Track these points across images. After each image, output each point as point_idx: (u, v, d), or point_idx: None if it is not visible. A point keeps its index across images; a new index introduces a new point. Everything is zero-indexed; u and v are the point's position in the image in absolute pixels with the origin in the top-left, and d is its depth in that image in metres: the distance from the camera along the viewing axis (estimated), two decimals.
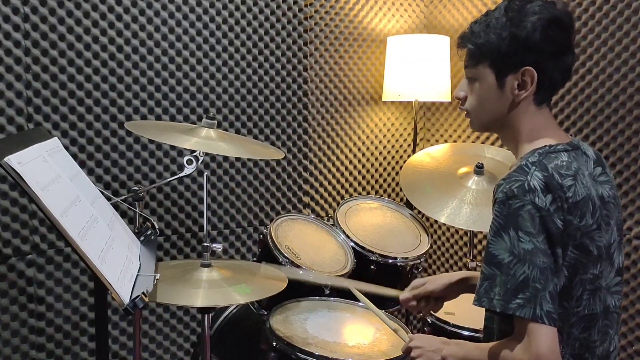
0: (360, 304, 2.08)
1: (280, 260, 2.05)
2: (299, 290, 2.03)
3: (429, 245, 2.43)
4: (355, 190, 3.05)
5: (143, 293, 1.24)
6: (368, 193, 3.09)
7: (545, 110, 1.36)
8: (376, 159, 3.12)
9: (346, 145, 2.99)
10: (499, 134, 1.45)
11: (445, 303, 2.18)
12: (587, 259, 1.27)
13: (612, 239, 1.33)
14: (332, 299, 2.07)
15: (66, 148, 1.68)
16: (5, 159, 1.08)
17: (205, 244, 1.81)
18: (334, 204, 2.96)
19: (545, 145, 1.32)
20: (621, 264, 1.38)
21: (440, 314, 2.10)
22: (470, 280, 1.63)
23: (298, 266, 2.05)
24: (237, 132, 2.61)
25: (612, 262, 1.34)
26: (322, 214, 2.94)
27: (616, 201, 1.37)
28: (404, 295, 1.71)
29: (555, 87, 1.36)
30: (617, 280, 1.36)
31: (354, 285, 1.93)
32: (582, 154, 1.34)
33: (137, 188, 1.82)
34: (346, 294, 2.13)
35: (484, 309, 1.45)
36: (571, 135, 1.40)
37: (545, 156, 1.29)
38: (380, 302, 2.21)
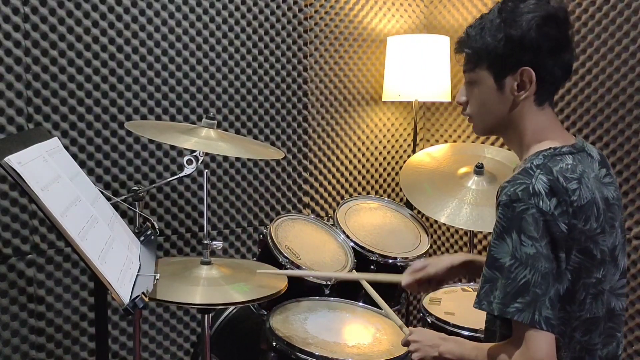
0: (360, 303, 2.09)
1: (280, 260, 2.05)
2: (299, 290, 2.03)
3: (429, 245, 2.43)
4: (355, 190, 3.05)
5: (143, 293, 1.24)
6: (368, 193, 3.09)
7: (547, 109, 1.34)
8: (376, 159, 3.12)
9: (346, 145, 2.99)
10: (502, 137, 1.43)
11: (445, 303, 2.19)
12: (591, 263, 1.25)
13: (617, 241, 1.32)
14: (332, 299, 2.07)
15: (66, 148, 1.67)
16: (5, 159, 1.08)
17: (206, 242, 1.81)
18: (334, 204, 2.96)
19: (550, 148, 1.30)
20: (625, 266, 1.36)
21: (440, 314, 2.09)
22: (473, 264, 1.61)
23: (298, 266, 2.06)
24: (237, 132, 2.61)
25: (616, 264, 1.32)
26: (322, 214, 2.94)
27: (619, 202, 1.36)
28: (405, 280, 1.69)
29: (556, 85, 1.34)
30: (623, 282, 1.35)
31: (362, 277, 1.92)
32: (587, 156, 1.32)
33: (137, 188, 1.82)
34: (346, 294, 2.13)
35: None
36: (575, 134, 1.39)
37: (550, 159, 1.27)
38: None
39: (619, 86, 2.40)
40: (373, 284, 1.86)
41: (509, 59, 1.29)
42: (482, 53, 1.32)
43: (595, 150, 1.37)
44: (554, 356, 1.20)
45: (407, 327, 1.75)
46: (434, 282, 1.68)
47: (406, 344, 1.50)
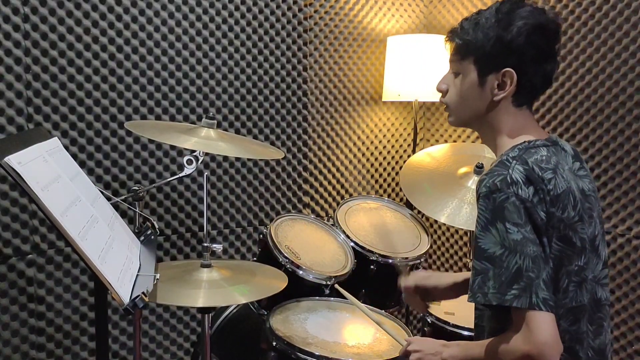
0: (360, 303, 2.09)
1: (280, 260, 2.05)
2: (299, 290, 2.03)
3: (429, 245, 2.44)
4: (355, 190, 3.05)
5: (143, 293, 1.24)
6: (368, 193, 3.09)
7: (525, 111, 1.40)
8: (376, 159, 3.12)
9: (346, 145, 2.99)
10: (478, 131, 1.48)
11: (445, 303, 2.19)
12: (571, 250, 1.29)
13: (596, 231, 1.36)
14: (332, 299, 2.07)
15: (66, 148, 1.67)
16: (5, 159, 1.08)
17: (206, 244, 1.81)
18: (334, 204, 2.96)
19: (524, 142, 1.35)
20: (606, 256, 1.40)
21: (440, 314, 2.10)
22: None
23: (298, 266, 2.06)
24: (237, 132, 2.61)
25: (598, 254, 1.36)
26: (322, 214, 2.94)
27: (596, 194, 1.40)
28: (406, 282, 1.71)
29: (535, 91, 1.39)
30: (605, 272, 1.39)
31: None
32: (560, 150, 1.37)
33: (137, 188, 1.82)
34: None
35: None
36: (549, 132, 1.42)
37: (525, 151, 1.32)
38: (380, 302, 2.23)
39: (619, 86, 2.40)
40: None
41: (495, 58, 1.34)
42: (472, 47, 1.36)
43: (568, 145, 1.42)
44: (557, 335, 1.22)
45: (408, 333, 1.75)
46: (431, 296, 1.70)
47: (406, 354, 1.49)
